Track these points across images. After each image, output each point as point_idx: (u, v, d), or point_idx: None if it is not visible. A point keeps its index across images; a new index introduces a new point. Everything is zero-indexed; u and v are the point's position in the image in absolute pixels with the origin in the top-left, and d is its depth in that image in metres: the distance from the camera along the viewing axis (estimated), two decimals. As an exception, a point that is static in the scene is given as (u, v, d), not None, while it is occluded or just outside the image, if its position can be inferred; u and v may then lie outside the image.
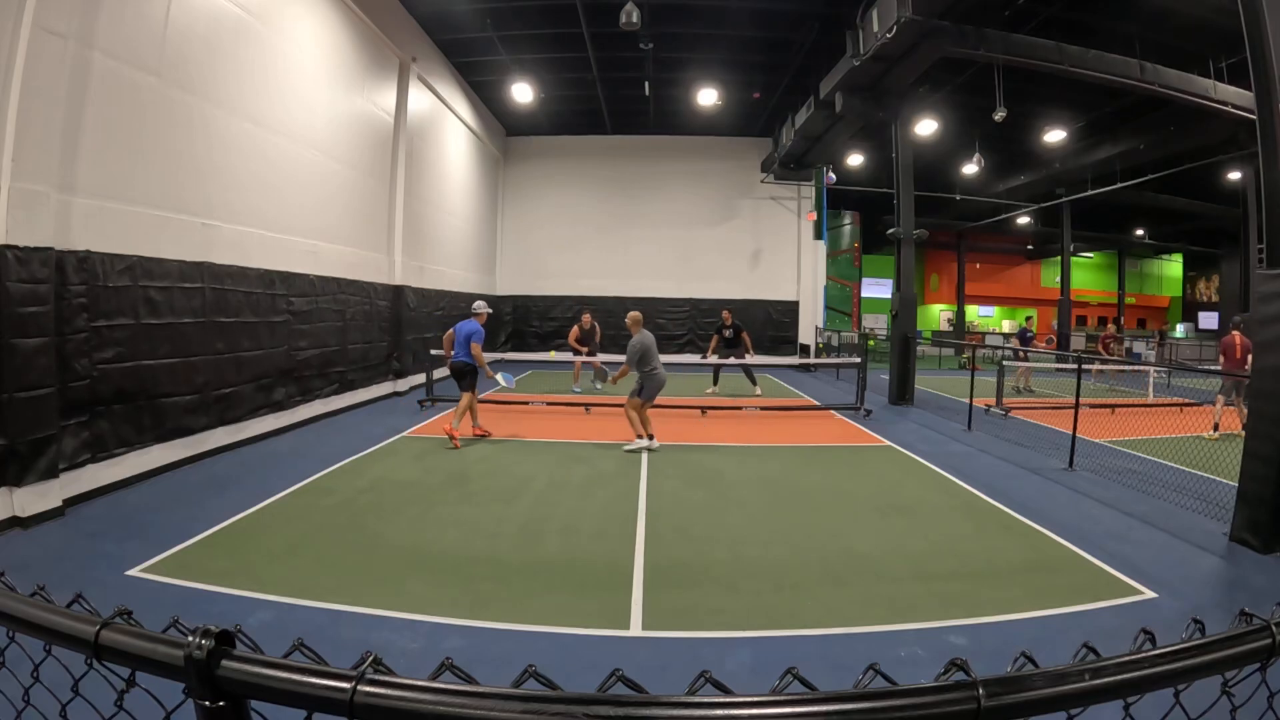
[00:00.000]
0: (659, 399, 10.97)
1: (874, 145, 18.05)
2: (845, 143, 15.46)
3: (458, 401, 8.08)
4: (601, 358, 13.67)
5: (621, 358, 12.89)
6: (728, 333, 12.71)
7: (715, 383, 13.46)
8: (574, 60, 14.23)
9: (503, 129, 19.54)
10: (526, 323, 19.95)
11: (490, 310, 8.44)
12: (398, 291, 11.71)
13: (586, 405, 10.57)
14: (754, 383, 12.74)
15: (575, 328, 12.98)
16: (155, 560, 4.19)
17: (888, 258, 20.86)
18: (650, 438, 7.71)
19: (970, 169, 17.30)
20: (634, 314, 8.12)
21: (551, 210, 20.00)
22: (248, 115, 7.53)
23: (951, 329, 29.16)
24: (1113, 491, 6.32)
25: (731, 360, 12.48)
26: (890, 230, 12.18)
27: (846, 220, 24.70)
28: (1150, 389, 13.88)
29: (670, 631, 3.46)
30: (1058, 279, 23.58)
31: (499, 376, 8.41)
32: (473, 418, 8.13)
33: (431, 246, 13.88)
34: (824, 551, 4.66)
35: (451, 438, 7.67)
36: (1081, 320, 30.22)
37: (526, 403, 11.07)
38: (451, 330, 8.08)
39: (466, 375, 7.96)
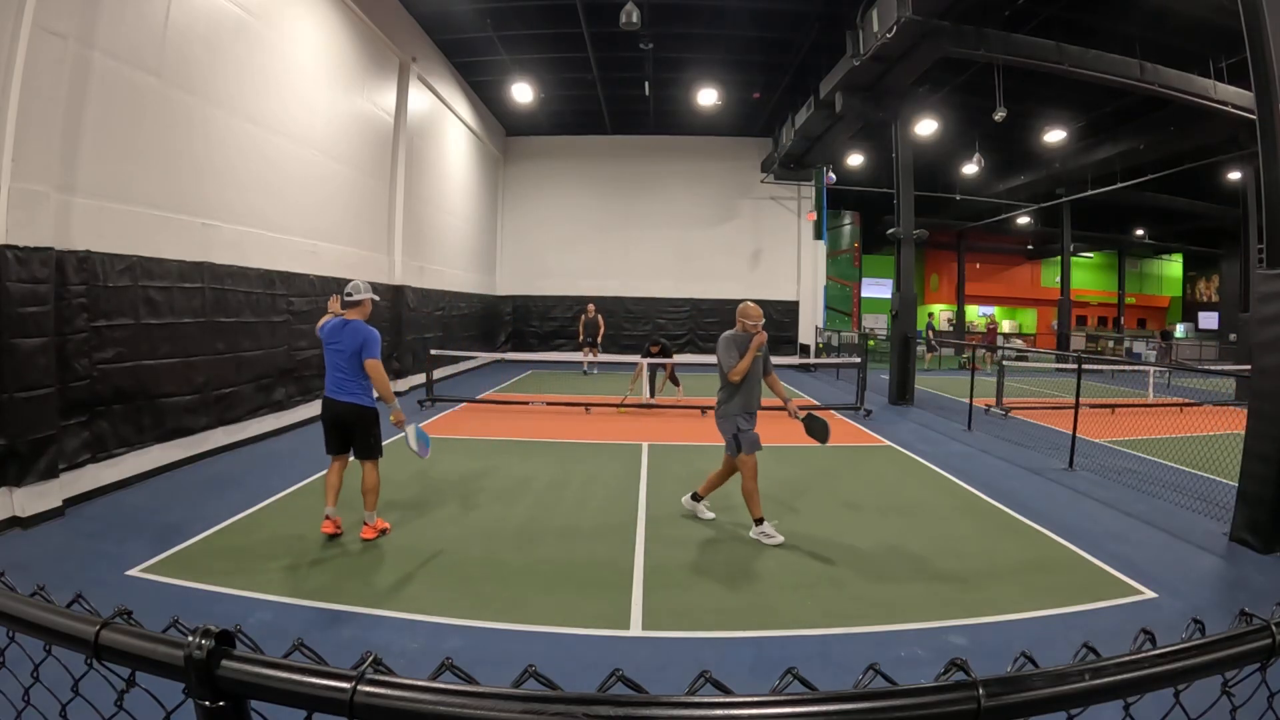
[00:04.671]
0: (666, 399, 11.07)
1: (874, 145, 18.04)
2: (845, 143, 15.46)
3: (365, 474, 4.66)
4: (604, 357, 15.38)
5: (627, 358, 13.19)
6: (655, 350, 11.21)
7: (653, 393, 11.36)
8: (574, 60, 14.22)
9: (503, 129, 19.54)
10: (526, 323, 19.96)
11: (377, 297, 4.86)
12: (398, 291, 11.71)
13: (587, 405, 10.57)
14: (676, 384, 11.57)
15: (582, 318, 15.96)
16: (155, 560, 4.19)
17: (888, 258, 20.86)
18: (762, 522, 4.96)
19: (970, 169, 17.30)
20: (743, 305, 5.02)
21: (551, 210, 20.00)
22: (247, 115, 7.52)
23: (952, 329, 29.17)
24: (1113, 491, 6.32)
25: (658, 360, 11.20)
26: (890, 230, 12.18)
27: (846, 220, 24.68)
28: (1150, 389, 13.88)
29: (670, 631, 3.46)
30: (1058, 279, 23.57)
31: (410, 431, 4.75)
32: (370, 498, 4.68)
33: (432, 246, 13.88)
34: (824, 551, 4.65)
35: (380, 529, 4.74)
36: (1081, 320, 30.22)
37: (526, 403, 11.08)
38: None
39: (361, 425, 4.59)
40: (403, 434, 4.72)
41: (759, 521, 4.86)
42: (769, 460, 7.49)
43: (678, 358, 12.20)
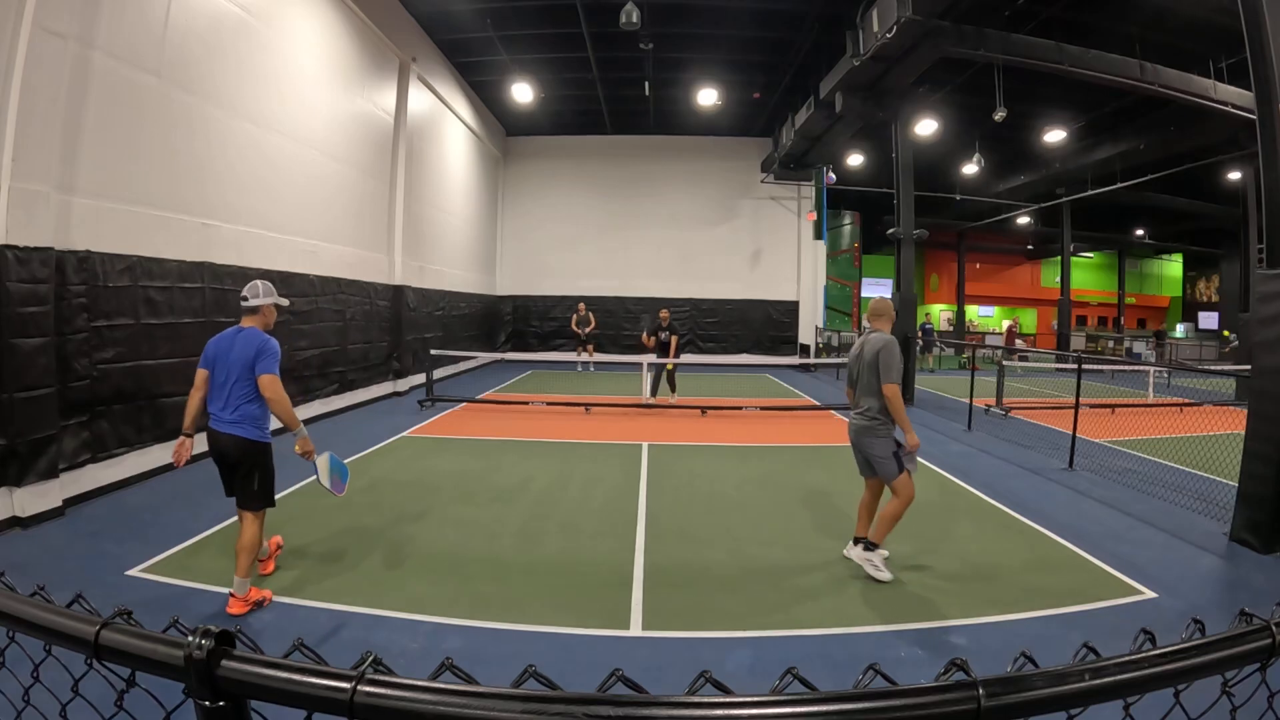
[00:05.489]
0: (662, 397, 11.08)
1: (874, 145, 18.04)
2: (845, 143, 15.47)
3: (242, 526, 3.67)
4: (600, 357, 15.86)
5: (627, 358, 13.32)
6: (663, 335, 11.16)
7: (654, 393, 11.15)
8: (574, 60, 14.23)
9: (503, 129, 19.54)
10: (526, 322, 19.97)
11: (283, 301, 3.97)
12: (398, 291, 11.71)
13: (586, 405, 10.57)
14: (673, 390, 11.26)
15: (574, 315, 16.95)
16: (155, 560, 4.19)
17: (888, 258, 20.84)
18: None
19: (970, 169, 17.30)
20: (875, 298, 4.61)
21: (551, 210, 20.00)
22: (247, 115, 7.52)
23: (952, 329, 29.17)
24: (1113, 491, 6.32)
25: (654, 359, 11.11)
26: (890, 230, 12.18)
27: (846, 220, 24.66)
28: (1150, 389, 13.88)
29: (670, 631, 3.46)
30: (1058, 279, 23.57)
31: (320, 463, 3.96)
32: (244, 560, 3.55)
33: (431, 246, 13.88)
34: (824, 551, 4.65)
35: (253, 601, 3.58)
36: (1081, 320, 30.21)
37: (526, 403, 11.08)
38: (203, 371, 3.69)
39: (246, 465, 3.69)
40: (317, 471, 3.96)
41: (872, 547, 4.18)
42: (768, 459, 7.51)
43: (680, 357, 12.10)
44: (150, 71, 6.06)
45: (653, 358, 11.11)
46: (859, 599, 3.91)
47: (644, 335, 11.28)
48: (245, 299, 3.77)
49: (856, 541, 4.35)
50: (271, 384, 3.64)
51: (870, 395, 4.18)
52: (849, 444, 4.43)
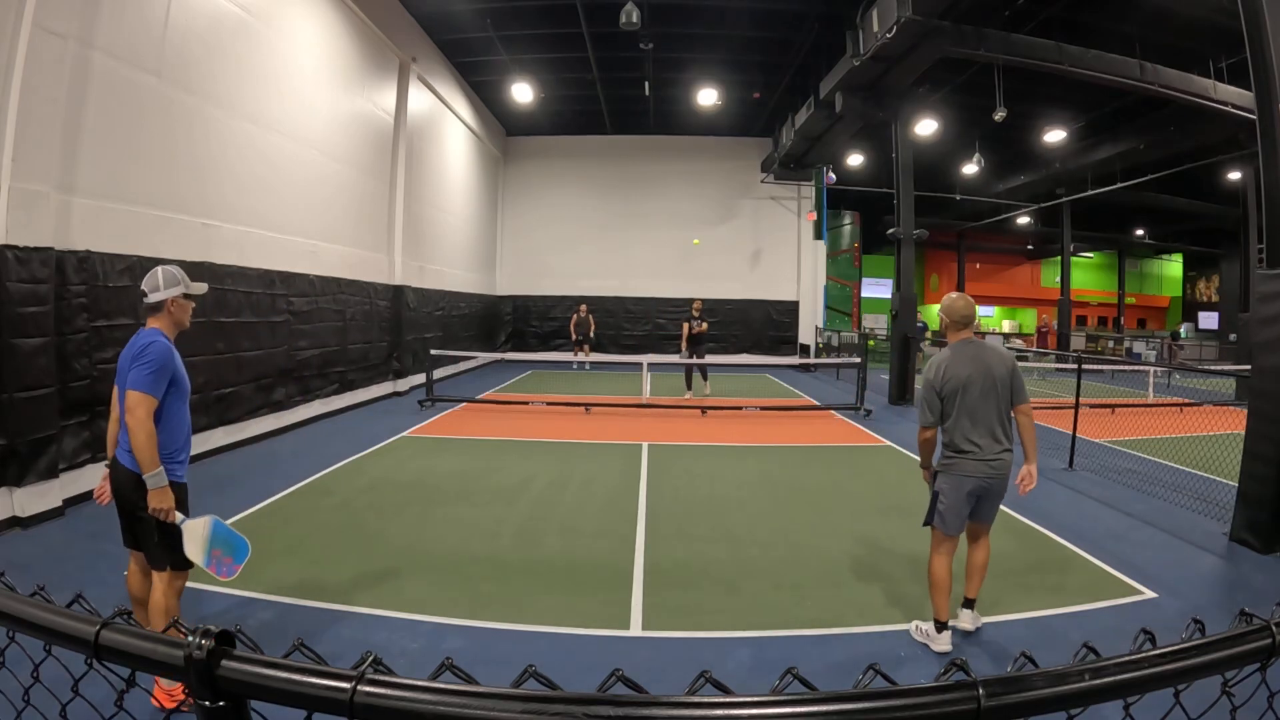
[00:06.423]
0: (652, 398, 11.08)
1: (874, 145, 18.04)
2: (845, 143, 15.46)
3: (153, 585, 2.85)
4: (598, 356, 16.10)
5: (627, 358, 13.45)
6: (694, 326, 11.89)
7: (690, 386, 12.27)
8: (574, 60, 14.23)
9: (503, 129, 19.54)
10: (526, 323, 19.98)
11: (198, 289, 2.94)
12: (398, 291, 11.72)
13: (586, 405, 10.58)
14: (705, 378, 12.52)
15: (574, 316, 16.94)
16: (155, 560, 4.18)
17: (888, 258, 20.84)
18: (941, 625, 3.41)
19: (970, 169, 17.31)
20: (954, 298, 3.55)
21: (551, 210, 20.01)
22: (247, 115, 7.53)
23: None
24: (1113, 491, 6.31)
25: (693, 360, 12.07)
26: (890, 230, 12.18)
27: (846, 220, 24.67)
28: (1150, 389, 13.88)
29: (670, 631, 3.46)
30: (1058, 279, 23.57)
31: (193, 531, 2.72)
32: (157, 623, 2.75)
33: (431, 246, 13.88)
34: (824, 551, 4.65)
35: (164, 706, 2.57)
36: (1081, 320, 30.22)
37: (526, 403, 11.08)
38: (115, 387, 2.85)
39: (144, 506, 2.70)
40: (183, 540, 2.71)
41: (943, 626, 3.36)
42: (768, 459, 7.51)
43: (675, 359, 12.25)
44: (150, 71, 6.06)
45: (654, 357, 11.32)
46: (859, 599, 3.92)
47: (685, 324, 12.03)
48: (144, 294, 2.83)
49: (970, 605, 3.48)
50: (137, 404, 2.62)
51: (1006, 422, 3.38)
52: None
